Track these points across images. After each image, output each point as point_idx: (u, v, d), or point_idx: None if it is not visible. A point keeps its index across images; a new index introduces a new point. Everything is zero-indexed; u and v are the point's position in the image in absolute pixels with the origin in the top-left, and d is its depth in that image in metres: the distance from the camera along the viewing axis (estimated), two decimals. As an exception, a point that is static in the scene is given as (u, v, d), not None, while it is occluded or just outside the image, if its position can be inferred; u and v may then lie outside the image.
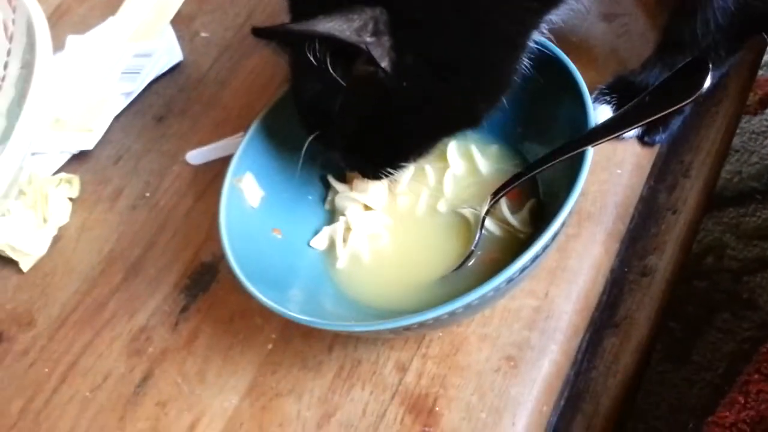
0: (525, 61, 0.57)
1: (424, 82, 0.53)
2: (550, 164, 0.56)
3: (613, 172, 0.65)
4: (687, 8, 0.57)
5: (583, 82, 0.56)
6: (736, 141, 1.26)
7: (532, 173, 0.58)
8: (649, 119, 0.52)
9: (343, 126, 0.56)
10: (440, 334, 0.61)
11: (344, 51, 0.51)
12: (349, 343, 0.63)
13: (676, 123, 0.66)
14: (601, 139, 0.53)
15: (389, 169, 0.61)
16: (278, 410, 0.61)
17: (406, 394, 0.59)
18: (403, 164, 0.61)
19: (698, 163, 0.73)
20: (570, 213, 0.54)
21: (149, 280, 0.72)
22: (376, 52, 0.51)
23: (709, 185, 0.74)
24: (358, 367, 0.62)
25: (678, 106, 0.50)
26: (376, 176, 0.62)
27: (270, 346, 0.65)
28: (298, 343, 0.64)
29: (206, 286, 0.70)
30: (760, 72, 1.29)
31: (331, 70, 0.52)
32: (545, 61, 0.59)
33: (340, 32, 0.49)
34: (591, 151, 0.53)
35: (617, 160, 0.66)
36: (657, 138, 0.66)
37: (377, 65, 0.52)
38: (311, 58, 0.51)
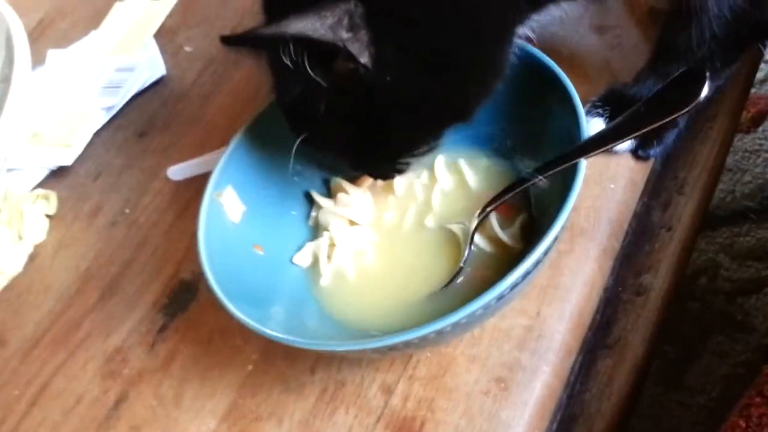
0: (513, 56, 0.55)
1: (407, 76, 0.51)
2: (541, 177, 0.54)
3: (606, 187, 0.63)
4: (682, 17, 0.55)
5: (575, 92, 0.54)
6: (728, 160, 1.24)
7: (523, 186, 0.55)
8: (644, 130, 0.50)
9: (331, 127, 0.54)
10: (428, 354, 0.59)
11: (321, 50, 0.49)
12: (333, 364, 0.60)
13: (670, 137, 0.64)
14: (594, 150, 0.51)
15: (395, 166, 0.58)
16: (258, 435, 0.59)
17: (392, 417, 0.57)
18: (405, 161, 0.58)
19: (693, 180, 0.72)
20: (562, 228, 0.52)
21: (126, 299, 0.70)
22: (354, 48, 0.49)
23: (704, 202, 0.73)
24: (341, 390, 0.59)
25: (674, 116, 0.48)
26: (382, 175, 0.60)
27: (250, 368, 0.62)
28: (280, 365, 0.62)
29: (185, 305, 0.68)
30: (753, 90, 1.28)
31: (310, 72, 0.49)
32: (535, 71, 0.57)
33: (313, 32, 0.47)
34: (584, 164, 0.51)
35: (611, 174, 0.64)
36: (651, 152, 0.64)
37: (357, 61, 0.50)
38: (287, 62, 0.49)
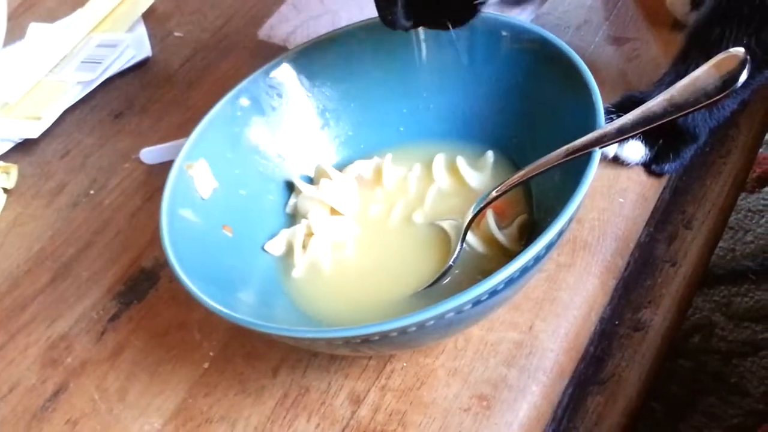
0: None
1: None
2: (546, 168, 0.48)
3: (614, 201, 0.58)
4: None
5: (593, 82, 0.49)
6: (731, 218, 1.20)
7: (525, 177, 0.49)
8: (674, 117, 0.44)
9: None
10: (404, 364, 0.53)
11: None
12: (298, 367, 0.54)
13: (688, 153, 0.59)
14: (612, 140, 0.46)
15: None
16: (206, 437, 0.52)
17: (359, 429, 0.51)
18: None
19: (702, 215, 0.67)
20: (562, 235, 0.46)
21: (79, 284, 0.64)
22: None
23: (713, 240, 0.68)
24: (305, 396, 0.53)
25: (708, 102, 0.43)
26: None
27: (206, 365, 0.56)
28: (239, 364, 0.56)
29: (143, 293, 0.62)
30: (760, 150, 1.24)
31: None
32: (549, 58, 0.52)
33: None
34: (598, 155, 0.46)
35: (620, 188, 0.59)
36: (666, 167, 0.59)
37: None
38: None
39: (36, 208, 0.71)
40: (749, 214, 1.24)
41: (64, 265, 0.65)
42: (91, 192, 0.70)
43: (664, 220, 0.65)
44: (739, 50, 0.43)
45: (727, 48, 0.51)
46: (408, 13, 0.47)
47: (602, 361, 0.59)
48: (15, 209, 0.71)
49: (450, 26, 0.49)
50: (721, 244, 1.19)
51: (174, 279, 0.50)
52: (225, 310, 0.46)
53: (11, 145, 0.75)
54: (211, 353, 0.57)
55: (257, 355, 0.55)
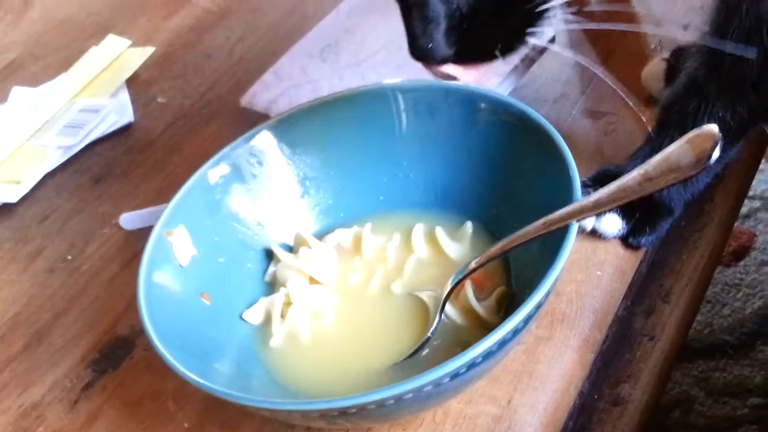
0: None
1: None
2: (524, 241, 0.49)
3: (592, 274, 0.59)
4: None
5: (570, 157, 0.50)
6: (708, 292, 1.21)
7: (503, 250, 0.50)
8: (647, 192, 0.45)
9: None
10: (382, 437, 0.52)
11: None
12: (274, 438, 0.53)
13: (664, 226, 0.60)
14: (589, 213, 0.46)
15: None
16: None
17: (334, 504, 0.50)
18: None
19: (679, 289, 0.67)
20: (540, 308, 0.46)
21: (53, 351, 0.63)
22: None
23: (691, 314, 0.68)
24: (280, 469, 0.52)
25: (682, 178, 0.43)
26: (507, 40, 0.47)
27: (180, 436, 0.55)
28: (214, 436, 0.55)
29: (118, 362, 0.61)
30: (736, 224, 1.26)
31: None
32: (525, 130, 0.53)
33: None
34: (575, 228, 0.46)
35: (597, 260, 0.59)
36: (643, 240, 0.59)
37: None
38: None
39: (12, 273, 0.70)
40: (726, 287, 1.25)
41: (38, 331, 0.64)
42: (69, 257, 0.70)
43: (641, 293, 0.66)
44: (713, 128, 0.44)
45: (702, 121, 0.52)
46: (450, 39, 0.45)
47: (581, 436, 0.58)
48: (-10, 274, 0.71)
49: (499, 54, 0.46)
50: (698, 317, 1.20)
51: (150, 347, 0.49)
52: (200, 381, 0.45)
53: (-11, 209, 0.74)
54: (185, 424, 0.56)
55: (233, 426, 0.54)
